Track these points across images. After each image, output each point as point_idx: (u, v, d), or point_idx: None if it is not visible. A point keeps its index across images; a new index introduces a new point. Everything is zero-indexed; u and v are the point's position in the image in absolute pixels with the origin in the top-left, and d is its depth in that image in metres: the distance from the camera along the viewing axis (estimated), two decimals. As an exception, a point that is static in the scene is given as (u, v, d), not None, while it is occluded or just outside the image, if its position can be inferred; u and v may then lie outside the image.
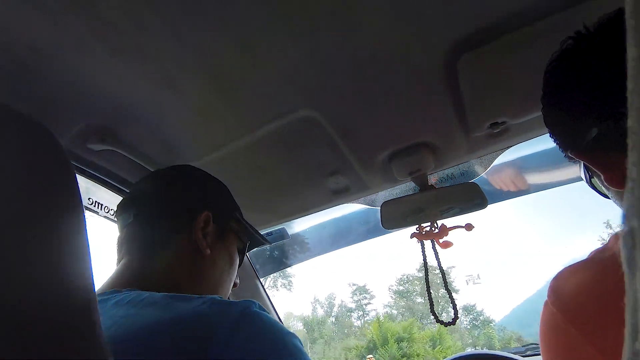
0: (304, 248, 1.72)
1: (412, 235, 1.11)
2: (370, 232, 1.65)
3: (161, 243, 0.65)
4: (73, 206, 0.32)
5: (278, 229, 1.46)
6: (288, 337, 0.47)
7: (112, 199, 0.99)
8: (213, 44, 0.66)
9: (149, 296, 0.52)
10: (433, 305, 1.11)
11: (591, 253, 0.50)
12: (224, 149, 0.95)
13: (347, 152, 0.99)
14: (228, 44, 0.66)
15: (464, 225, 1.07)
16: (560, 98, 0.52)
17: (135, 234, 0.67)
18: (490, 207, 1.04)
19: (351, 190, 1.17)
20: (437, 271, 1.17)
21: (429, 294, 1.12)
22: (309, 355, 0.49)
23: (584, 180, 0.61)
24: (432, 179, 1.16)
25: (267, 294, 1.56)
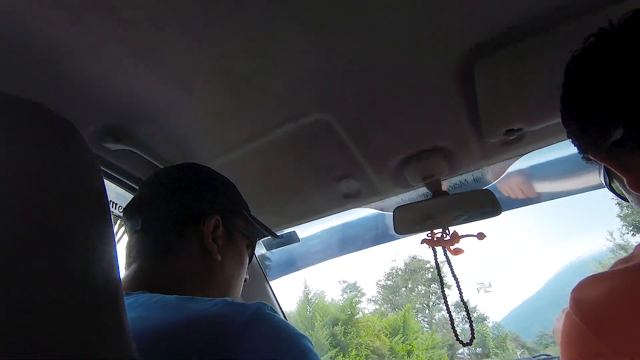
0: (314, 251, 1.71)
1: (423, 242, 1.11)
2: (380, 237, 1.64)
3: (171, 249, 0.65)
4: (100, 203, 0.33)
5: (288, 232, 1.46)
6: (299, 338, 0.47)
7: (126, 198, 1.00)
8: (228, 46, 0.66)
9: (160, 298, 0.52)
10: (453, 321, 1.09)
11: (615, 264, 0.49)
12: (236, 150, 0.95)
13: (360, 156, 0.99)
14: (243, 46, 0.67)
15: (475, 234, 1.06)
16: (582, 97, 0.51)
17: (145, 240, 0.66)
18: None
19: (362, 195, 1.16)
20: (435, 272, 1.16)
21: (447, 305, 1.10)
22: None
23: (604, 183, 0.60)
24: (445, 185, 1.15)
25: (276, 298, 1.56)
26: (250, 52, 0.68)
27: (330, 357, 16.93)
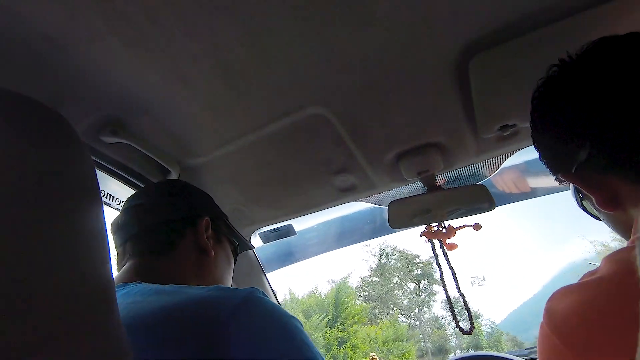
0: (310, 244, 1.73)
1: (422, 234, 1.12)
2: (376, 231, 1.65)
3: (167, 247, 0.69)
4: (91, 194, 0.33)
5: (285, 225, 1.46)
6: (289, 319, 0.49)
7: (123, 191, 1.01)
8: (224, 39, 0.67)
9: (156, 287, 0.55)
10: (453, 309, 1.10)
11: (583, 276, 0.50)
12: (232, 144, 0.96)
13: (355, 151, 0.99)
14: (239, 39, 0.67)
15: (472, 224, 1.07)
16: (549, 123, 0.54)
17: (141, 242, 0.69)
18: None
19: (358, 189, 1.17)
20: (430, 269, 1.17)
21: (449, 299, 1.12)
22: None
23: (575, 202, 0.62)
24: (440, 180, 1.16)
25: (273, 290, 1.57)
26: (246, 45, 0.68)
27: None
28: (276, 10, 0.62)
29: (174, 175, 1.02)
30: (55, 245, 0.29)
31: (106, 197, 0.98)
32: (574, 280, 0.52)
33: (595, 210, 0.56)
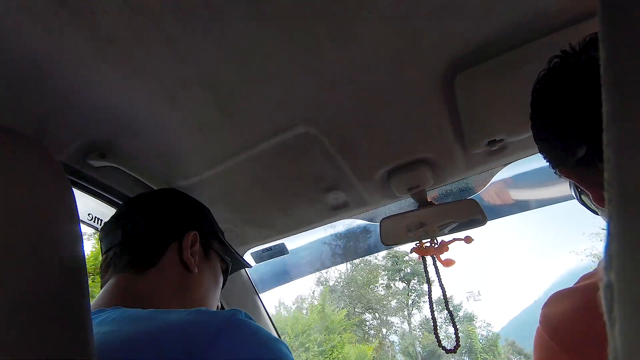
0: (303, 263, 1.71)
1: (412, 250, 1.11)
2: (369, 248, 1.64)
3: (149, 261, 0.66)
4: (71, 224, 0.33)
5: (277, 244, 1.45)
6: (274, 343, 0.47)
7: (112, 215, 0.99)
8: (212, 59, 0.67)
9: (134, 312, 0.52)
10: (437, 327, 1.09)
11: (580, 279, 0.50)
12: (223, 164, 0.95)
13: (346, 168, 0.99)
14: (227, 60, 0.67)
15: (463, 237, 1.07)
16: (549, 116, 0.53)
17: (124, 254, 0.67)
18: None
19: (350, 206, 1.17)
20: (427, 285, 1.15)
21: (433, 314, 1.11)
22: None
23: (574, 197, 0.62)
24: (432, 196, 1.16)
25: (266, 310, 1.54)
26: (234, 66, 0.68)
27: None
28: (262, 32, 0.63)
29: (163, 198, 1.00)
30: (32, 278, 0.28)
31: (94, 221, 0.97)
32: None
33: (593, 206, 0.55)
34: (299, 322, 19.05)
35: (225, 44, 0.64)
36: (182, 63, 0.67)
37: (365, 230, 1.62)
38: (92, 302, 0.62)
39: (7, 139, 0.32)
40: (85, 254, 0.34)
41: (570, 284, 0.52)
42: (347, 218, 1.26)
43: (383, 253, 27.80)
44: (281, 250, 1.47)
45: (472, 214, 1.01)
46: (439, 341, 1.06)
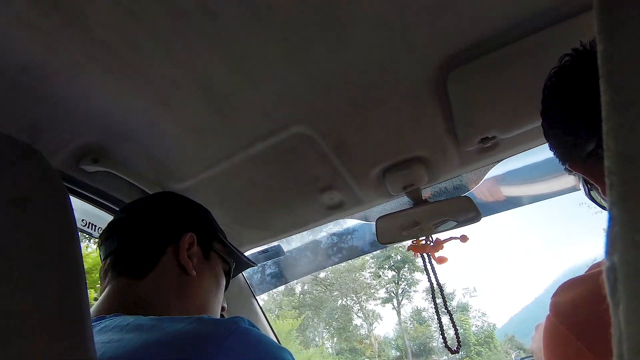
0: (299, 264, 1.71)
1: (409, 248, 1.12)
2: (365, 247, 1.65)
3: (147, 266, 0.65)
4: (68, 231, 0.33)
5: (274, 246, 1.45)
6: (278, 351, 0.47)
7: (106, 220, 0.98)
8: (205, 62, 0.67)
9: (134, 320, 0.51)
10: (442, 326, 1.10)
11: (591, 267, 0.51)
12: (218, 166, 0.95)
13: (341, 168, 1.00)
14: (220, 62, 0.67)
15: (458, 236, 1.07)
16: (559, 112, 0.54)
17: (121, 259, 0.66)
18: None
19: (346, 206, 1.17)
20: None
21: (438, 314, 1.11)
22: None
23: (583, 192, 0.62)
24: (426, 194, 1.16)
25: (264, 313, 1.54)
26: (227, 68, 0.68)
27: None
28: (255, 34, 0.63)
29: (157, 201, 1.00)
30: (30, 284, 0.28)
31: (88, 227, 0.96)
32: None
33: (602, 201, 0.56)
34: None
35: (218, 45, 0.64)
36: (176, 65, 0.67)
37: (359, 229, 1.62)
38: (92, 307, 0.62)
39: (2, 145, 0.31)
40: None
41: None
42: (343, 218, 1.27)
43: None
44: (277, 252, 1.47)
45: (466, 211, 1.02)
46: (445, 341, 1.07)
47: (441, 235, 1.10)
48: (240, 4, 0.58)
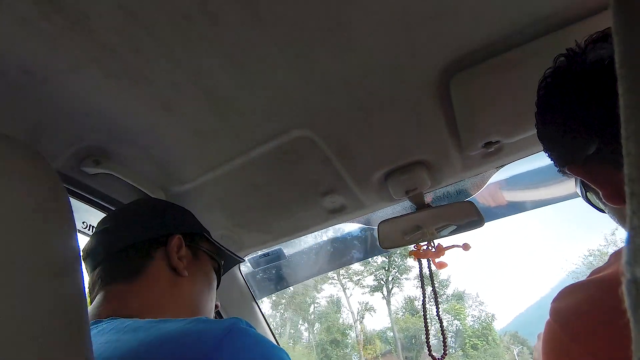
0: (300, 268, 1.70)
1: (410, 253, 1.11)
2: (366, 252, 1.64)
3: (137, 271, 0.65)
4: (68, 233, 0.32)
5: (275, 250, 1.44)
6: (275, 351, 0.47)
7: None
8: (207, 66, 0.67)
9: (132, 322, 0.52)
10: (429, 334, 1.09)
11: (591, 272, 0.50)
12: (219, 169, 0.95)
13: (343, 171, 0.99)
14: (222, 65, 0.67)
15: (461, 244, 1.06)
16: (556, 114, 0.53)
17: (110, 268, 0.66)
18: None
19: (347, 210, 1.16)
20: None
21: (425, 320, 1.10)
22: None
23: (580, 195, 0.61)
24: (428, 198, 1.16)
25: (264, 316, 1.53)
26: (229, 71, 0.68)
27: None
28: (257, 37, 0.63)
29: (159, 204, 1.00)
30: (29, 285, 0.28)
31: (88, 229, 0.96)
32: None
33: (600, 204, 0.55)
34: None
35: (220, 49, 0.64)
36: (177, 68, 0.66)
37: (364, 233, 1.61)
38: None
39: (3, 145, 0.31)
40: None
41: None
42: (345, 222, 1.26)
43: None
44: (278, 256, 1.46)
45: (469, 215, 1.01)
46: (429, 350, 1.06)
47: (443, 242, 1.10)
48: (243, 7, 0.58)
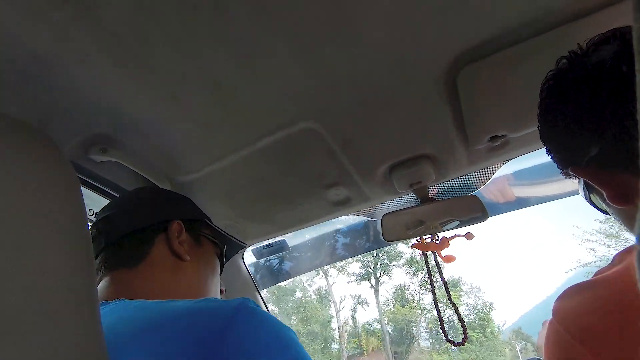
0: (304, 259, 1.71)
1: (413, 246, 1.12)
2: (370, 244, 1.65)
3: (139, 257, 0.66)
4: (80, 217, 0.33)
5: (278, 241, 1.45)
6: (284, 330, 0.48)
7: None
8: (214, 56, 0.67)
9: (140, 303, 0.53)
10: (442, 322, 1.10)
11: (596, 273, 0.50)
12: (224, 160, 0.95)
13: (348, 164, 0.99)
14: (229, 57, 0.67)
15: (464, 234, 1.07)
16: (558, 116, 0.53)
17: (114, 255, 0.67)
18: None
19: (352, 202, 1.17)
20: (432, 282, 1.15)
21: (438, 309, 1.11)
22: None
23: (583, 196, 0.61)
24: (433, 191, 1.16)
25: (266, 307, 1.55)
26: (236, 62, 0.68)
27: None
28: (264, 29, 0.63)
29: (164, 193, 1.00)
30: (41, 272, 0.29)
31: (95, 217, 0.97)
32: None
33: (603, 205, 0.55)
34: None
35: (227, 40, 0.64)
36: (185, 59, 0.67)
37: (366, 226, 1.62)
38: None
39: (17, 131, 0.32)
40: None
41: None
42: (349, 214, 1.26)
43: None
44: (282, 247, 1.47)
45: (473, 210, 1.02)
46: (446, 336, 1.07)
47: (446, 233, 1.10)
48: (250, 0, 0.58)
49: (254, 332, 0.45)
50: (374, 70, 0.72)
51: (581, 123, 0.48)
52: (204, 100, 0.76)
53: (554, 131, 0.55)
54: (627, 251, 0.46)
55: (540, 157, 1.23)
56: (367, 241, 1.65)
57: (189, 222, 0.75)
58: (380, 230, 1.10)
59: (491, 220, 1.05)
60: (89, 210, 0.97)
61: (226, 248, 0.85)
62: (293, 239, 1.57)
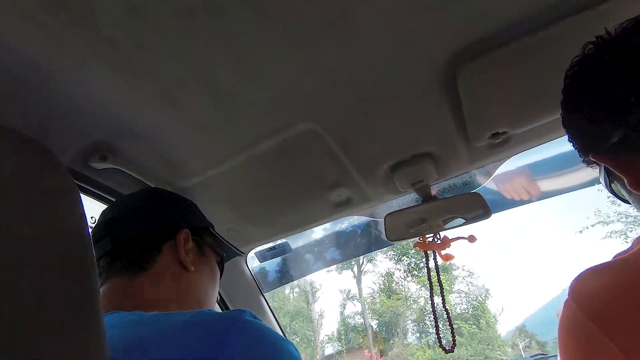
0: (307, 261, 1.71)
1: (415, 245, 1.11)
2: (373, 244, 1.64)
3: (144, 264, 0.65)
4: (79, 228, 0.33)
5: (281, 243, 1.45)
6: (282, 342, 0.47)
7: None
8: (211, 60, 0.67)
9: (136, 316, 0.52)
10: (438, 327, 1.09)
11: (615, 256, 0.50)
12: (225, 163, 0.95)
13: (349, 164, 0.99)
14: (226, 60, 0.67)
15: (466, 236, 1.06)
16: (582, 102, 0.53)
17: (116, 261, 0.66)
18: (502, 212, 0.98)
19: (353, 203, 1.16)
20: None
21: (435, 318, 1.10)
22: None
23: (603, 184, 0.61)
24: (435, 190, 1.15)
25: (271, 310, 1.54)
26: (233, 65, 0.68)
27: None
28: (261, 31, 0.62)
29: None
30: (43, 280, 0.29)
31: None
32: None
33: (624, 193, 0.55)
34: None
35: (224, 43, 0.64)
36: (181, 63, 0.67)
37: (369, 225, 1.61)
38: None
39: (14, 142, 0.31)
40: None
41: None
42: (351, 215, 1.26)
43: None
44: (285, 249, 1.47)
45: (476, 207, 1.01)
46: (440, 341, 1.06)
47: (449, 234, 1.09)
48: (246, 1, 0.57)
49: (251, 346, 0.44)
50: (372, 68, 0.72)
51: (605, 109, 0.48)
52: (202, 104, 0.76)
53: (577, 117, 0.55)
54: None
55: (540, 153, 1.23)
56: (369, 241, 1.65)
57: (195, 230, 0.74)
58: (383, 230, 1.10)
59: (494, 217, 1.04)
60: (91, 217, 0.97)
61: (225, 255, 0.84)
62: (295, 240, 1.57)
